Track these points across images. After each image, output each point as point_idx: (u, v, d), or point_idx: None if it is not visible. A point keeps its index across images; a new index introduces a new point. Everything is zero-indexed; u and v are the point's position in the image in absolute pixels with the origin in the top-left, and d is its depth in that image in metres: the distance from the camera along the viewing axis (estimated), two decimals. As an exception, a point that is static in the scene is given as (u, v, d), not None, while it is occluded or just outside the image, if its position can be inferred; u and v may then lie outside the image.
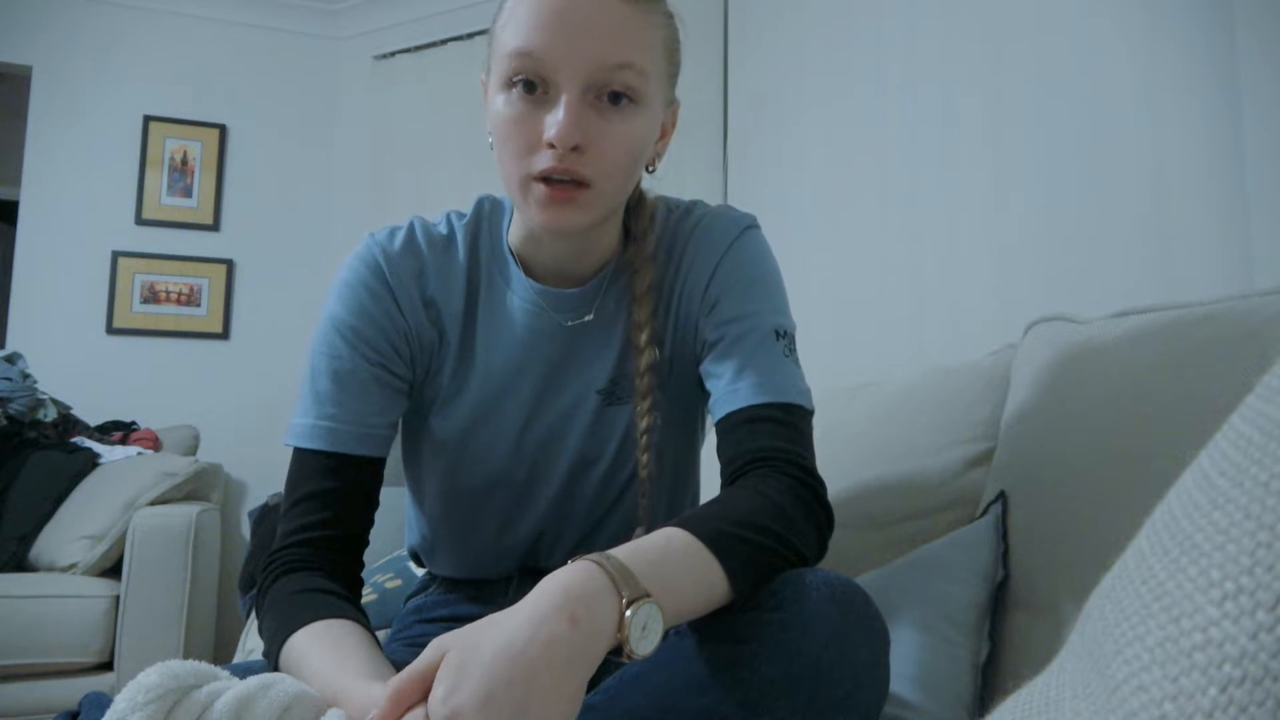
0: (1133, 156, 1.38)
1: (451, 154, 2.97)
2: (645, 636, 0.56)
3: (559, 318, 0.85)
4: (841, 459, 1.19)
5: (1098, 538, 0.79)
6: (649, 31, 0.75)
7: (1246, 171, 1.18)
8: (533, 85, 0.73)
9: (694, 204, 0.90)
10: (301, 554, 0.78)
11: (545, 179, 0.72)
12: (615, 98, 0.73)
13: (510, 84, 0.73)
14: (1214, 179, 1.24)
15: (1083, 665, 0.36)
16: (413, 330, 0.85)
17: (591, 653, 0.54)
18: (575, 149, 0.71)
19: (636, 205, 0.88)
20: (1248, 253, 1.18)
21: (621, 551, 0.59)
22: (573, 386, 0.87)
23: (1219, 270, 1.23)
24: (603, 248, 0.85)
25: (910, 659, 0.83)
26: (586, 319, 0.86)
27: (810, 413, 0.79)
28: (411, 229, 0.87)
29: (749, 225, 0.87)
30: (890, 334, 1.83)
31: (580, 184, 0.73)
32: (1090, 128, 1.45)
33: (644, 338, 0.84)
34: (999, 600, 0.91)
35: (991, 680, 0.86)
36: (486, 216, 0.89)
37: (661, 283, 0.86)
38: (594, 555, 0.58)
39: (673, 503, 0.95)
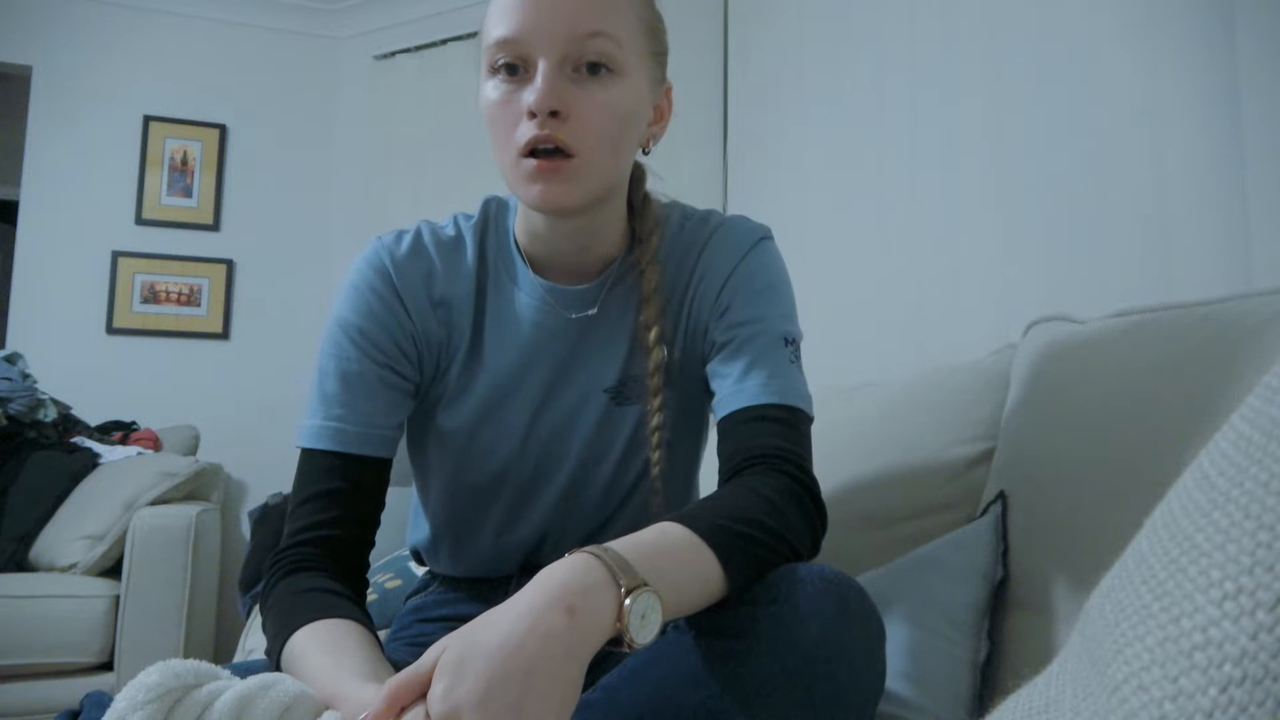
0: (1133, 156, 1.38)
1: (451, 154, 2.97)
2: (644, 626, 0.56)
3: (565, 312, 0.86)
4: (841, 458, 1.19)
5: (1098, 538, 0.79)
6: (623, 3, 0.77)
7: (1246, 171, 1.18)
8: (514, 68, 0.75)
9: (710, 212, 0.92)
10: (307, 553, 0.78)
11: (532, 153, 0.74)
12: (594, 69, 0.75)
13: (494, 71, 0.76)
14: (1214, 179, 1.24)
15: (1083, 665, 0.36)
16: (420, 331, 0.86)
17: (589, 644, 0.54)
18: (555, 115, 0.73)
19: (642, 206, 0.88)
20: (1248, 253, 1.18)
21: (618, 544, 0.60)
22: (579, 384, 0.88)
23: (1219, 270, 1.23)
24: (606, 240, 0.86)
25: (909, 658, 0.83)
26: (590, 313, 0.87)
27: (811, 419, 0.81)
28: (419, 232, 0.88)
29: (764, 236, 0.89)
30: (890, 334, 1.83)
31: (565, 154, 0.74)
32: (1090, 127, 1.45)
33: (652, 337, 0.84)
34: (999, 600, 0.91)
35: (991, 680, 0.86)
36: (493, 216, 0.90)
37: (674, 285, 0.88)
38: (590, 547, 0.58)
39: (678, 505, 0.95)
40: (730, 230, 0.88)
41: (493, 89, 0.76)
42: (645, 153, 0.86)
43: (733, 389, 0.80)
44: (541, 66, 0.73)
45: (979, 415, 1.12)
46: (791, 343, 0.83)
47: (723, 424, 0.80)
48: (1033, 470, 0.95)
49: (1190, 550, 0.31)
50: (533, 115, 0.73)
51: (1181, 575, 0.31)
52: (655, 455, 0.86)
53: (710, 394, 0.84)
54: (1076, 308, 1.11)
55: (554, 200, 0.75)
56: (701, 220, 0.90)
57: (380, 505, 0.84)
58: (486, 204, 0.91)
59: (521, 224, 0.86)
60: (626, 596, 0.55)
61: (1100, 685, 0.33)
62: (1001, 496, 0.97)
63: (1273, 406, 0.31)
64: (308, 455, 0.82)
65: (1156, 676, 0.29)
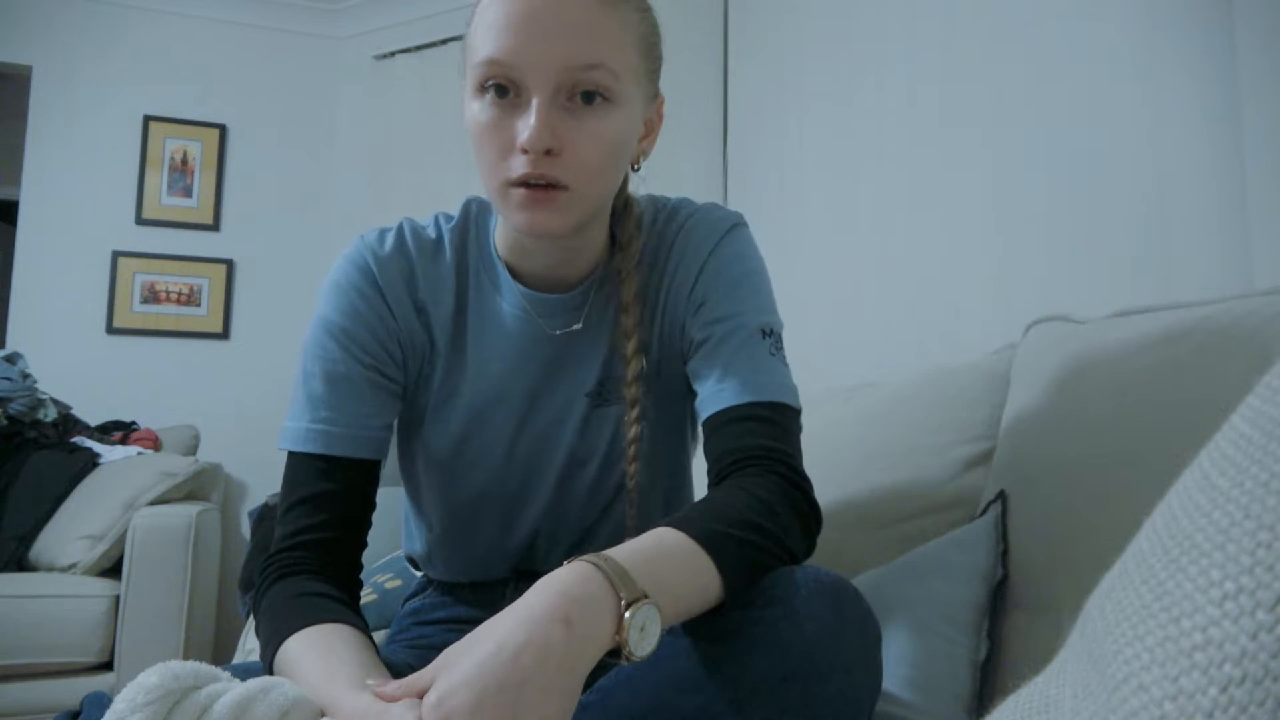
0: (1133, 156, 1.38)
1: (451, 154, 2.97)
2: (644, 638, 0.56)
3: (547, 325, 0.85)
4: (841, 459, 1.19)
5: (1098, 538, 0.79)
6: (620, 29, 0.73)
7: (1246, 171, 1.18)
8: (504, 90, 0.72)
9: (680, 203, 0.89)
10: (298, 557, 0.78)
11: (523, 184, 0.72)
12: (588, 97, 0.72)
13: (483, 89, 0.73)
14: (1214, 179, 1.24)
15: (1083, 665, 0.36)
16: (404, 332, 0.84)
17: (586, 656, 0.54)
18: (549, 153, 0.71)
19: (623, 211, 0.86)
20: (1248, 253, 1.18)
21: (617, 552, 0.59)
22: (563, 391, 0.87)
23: (1219, 270, 1.23)
24: (589, 252, 0.84)
25: (909, 658, 0.83)
26: (575, 328, 0.85)
27: (797, 411, 0.79)
28: (401, 231, 0.86)
29: (735, 223, 0.86)
30: (890, 334, 1.82)
31: (557, 187, 0.72)
32: (1090, 127, 1.45)
33: (631, 346, 0.83)
34: (999, 600, 0.91)
35: (991, 680, 0.86)
36: (474, 219, 0.88)
37: (647, 283, 0.86)
38: (591, 556, 0.58)
39: (668, 506, 0.95)
40: (699, 221, 0.86)
41: (481, 110, 0.73)
42: (635, 169, 0.84)
43: (714, 389, 0.78)
44: (535, 100, 0.70)
45: (979, 415, 1.12)
46: (770, 334, 0.80)
47: (707, 425, 0.79)
48: (1033, 470, 0.95)
49: (1190, 550, 0.31)
50: (525, 151, 0.70)
51: (1181, 575, 0.31)
52: (632, 469, 0.84)
53: (693, 393, 0.83)
54: (1076, 308, 1.11)
55: (542, 227, 0.73)
56: (671, 214, 0.87)
57: (371, 506, 0.83)
58: (467, 205, 0.89)
59: (503, 236, 0.85)
60: (626, 609, 0.55)
61: (1100, 685, 0.33)
62: (1001, 496, 0.97)
63: (1273, 406, 0.31)
64: (295, 458, 0.80)
65: (1156, 676, 0.29)
